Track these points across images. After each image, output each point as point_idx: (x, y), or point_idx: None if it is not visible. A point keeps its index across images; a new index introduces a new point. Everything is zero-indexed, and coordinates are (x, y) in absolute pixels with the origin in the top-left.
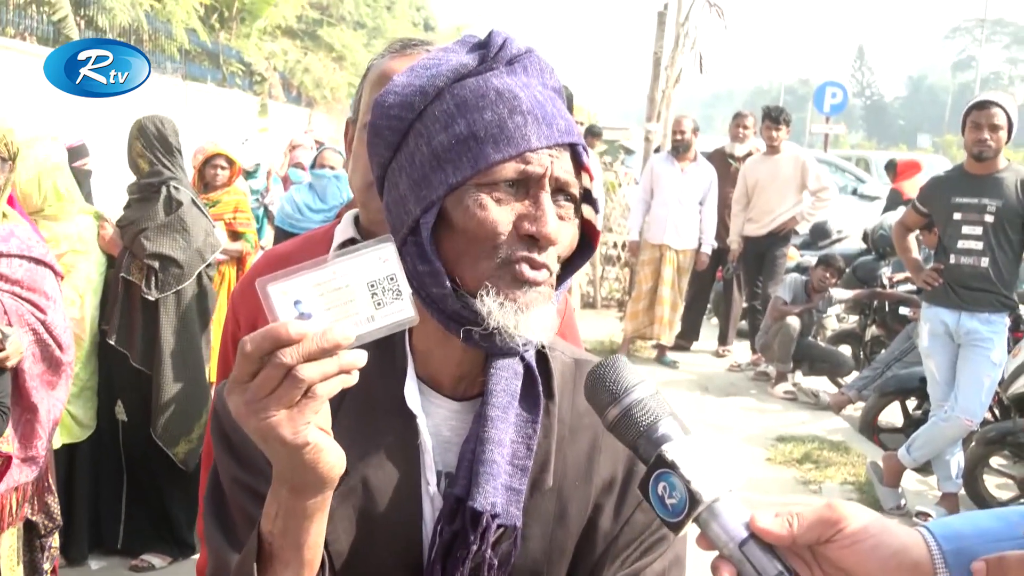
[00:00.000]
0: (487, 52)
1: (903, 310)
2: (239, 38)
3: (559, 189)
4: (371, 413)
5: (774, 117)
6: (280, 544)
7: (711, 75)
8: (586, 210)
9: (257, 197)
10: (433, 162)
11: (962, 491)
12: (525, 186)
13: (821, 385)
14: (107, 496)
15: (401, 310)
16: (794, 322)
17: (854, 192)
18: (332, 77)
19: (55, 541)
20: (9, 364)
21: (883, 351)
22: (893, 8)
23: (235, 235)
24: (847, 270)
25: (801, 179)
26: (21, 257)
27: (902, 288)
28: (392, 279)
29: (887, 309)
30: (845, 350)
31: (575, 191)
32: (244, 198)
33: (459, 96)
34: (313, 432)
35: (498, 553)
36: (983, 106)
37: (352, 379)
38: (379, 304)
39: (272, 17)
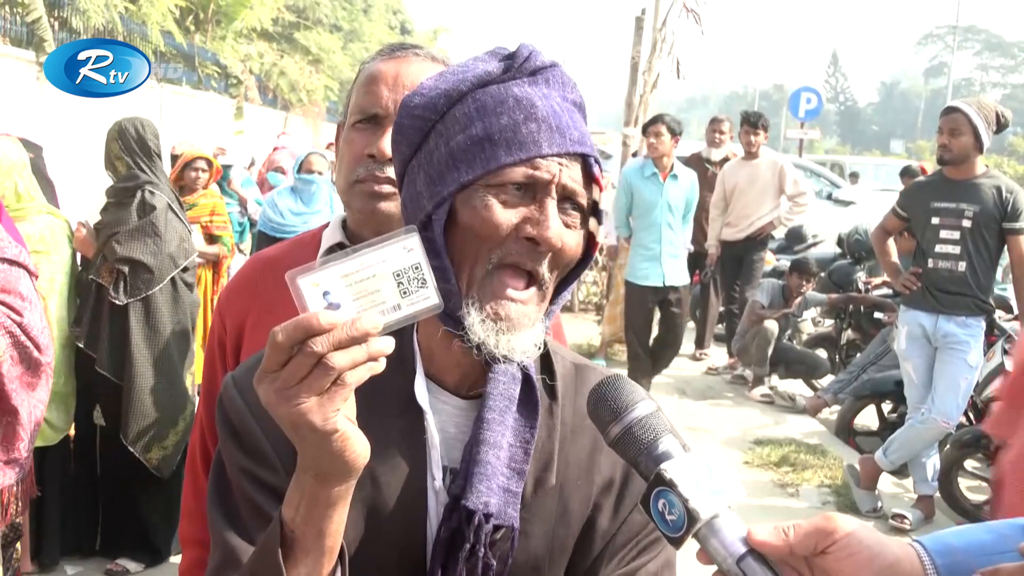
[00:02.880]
0: (513, 62)
1: (878, 314)
2: (215, 40)
3: (567, 197)
4: (380, 407)
5: (753, 122)
6: (302, 531)
7: (687, 80)
8: (591, 223)
9: (237, 203)
10: (449, 160)
11: (937, 494)
12: (532, 191)
13: (797, 388)
14: (84, 499)
15: (427, 298)
16: (771, 326)
17: (829, 197)
18: (308, 80)
19: (17, 550)
20: None
21: (859, 355)
22: (866, 15)
23: (211, 238)
24: (823, 274)
25: (779, 184)
26: None
27: (877, 292)
28: (417, 268)
29: (862, 313)
30: (821, 353)
31: (583, 201)
32: (221, 201)
33: (480, 101)
34: (342, 420)
35: (496, 553)
36: (946, 112)
37: (380, 366)
38: (405, 293)
39: (248, 19)
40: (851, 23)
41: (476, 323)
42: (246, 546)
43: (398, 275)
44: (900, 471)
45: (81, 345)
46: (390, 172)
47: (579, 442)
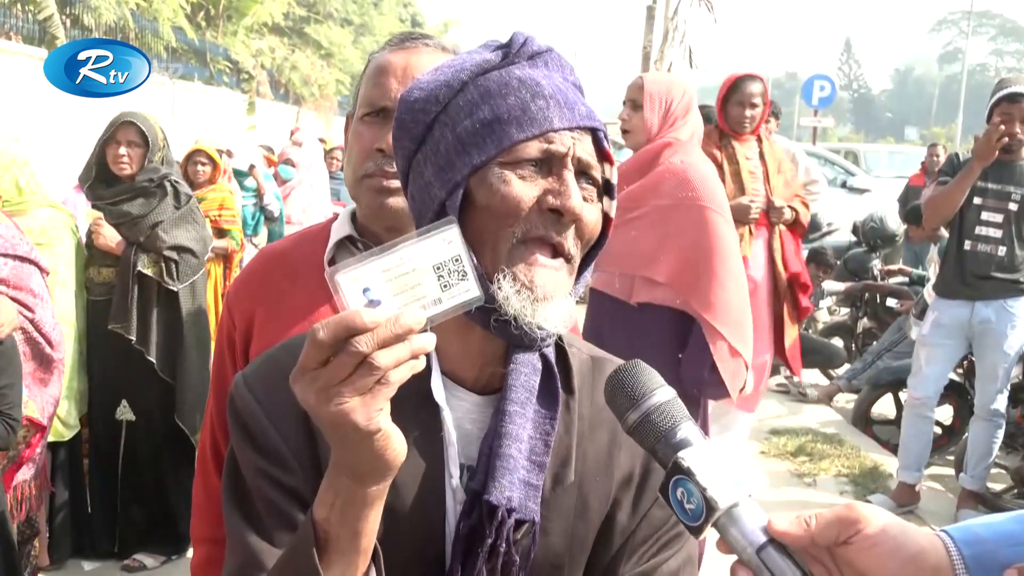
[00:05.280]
0: (510, 49)
1: (893, 302)
2: (226, 36)
3: (581, 172)
4: (396, 406)
5: None
6: (337, 532)
7: (700, 69)
8: (604, 202)
9: (253, 197)
10: (458, 146)
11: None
12: (548, 165)
13: (813, 378)
14: (101, 499)
15: (467, 290)
16: None
17: (843, 185)
18: (320, 74)
19: (35, 547)
20: (2, 334)
21: (874, 343)
22: (879, 1)
23: (220, 232)
24: (838, 263)
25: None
26: (5, 256)
27: (893, 280)
28: (457, 260)
29: (878, 301)
30: (837, 342)
31: (597, 175)
32: (230, 196)
33: (483, 87)
34: (385, 419)
35: (518, 549)
36: (1015, 99)
37: (421, 364)
38: (445, 286)
39: (259, 14)
40: (864, 9)
41: (511, 294)
42: (268, 548)
43: (438, 268)
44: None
45: (132, 338)
46: None
47: (597, 437)
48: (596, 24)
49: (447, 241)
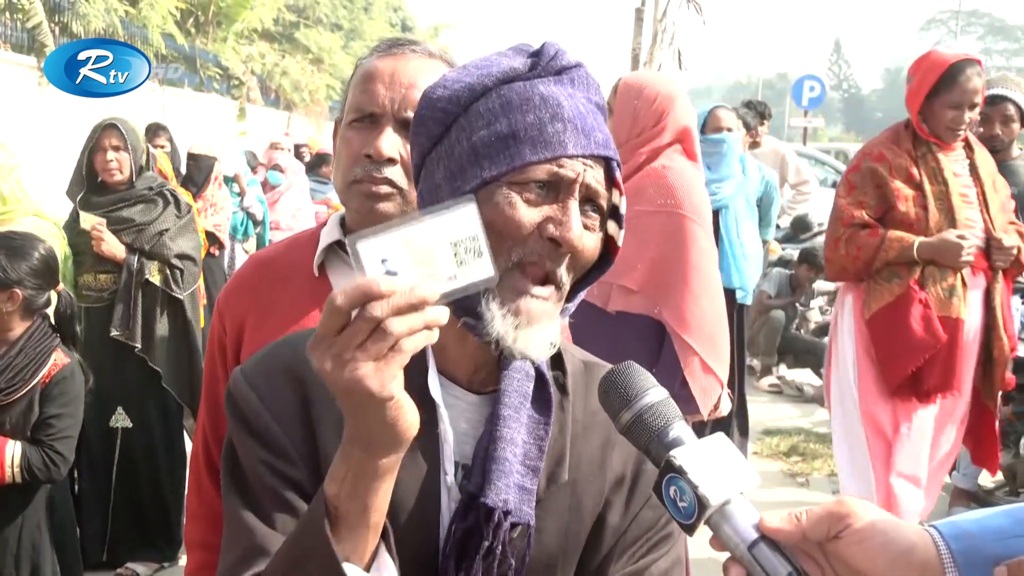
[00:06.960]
0: (538, 60)
1: None
2: (216, 42)
3: (588, 199)
4: None
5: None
6: (347, 507)
7: (689, 71)
8: (610, 226)
9: (236, 203)
10: (471, 155)
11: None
12: (555, 190)
13: (805, 378)
14: (93, 508)
15: (482, 269)
16: (779, 315)
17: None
18: (310, 80)
19: None
20: None
21: None
22: (868, 1)
23: None
24: None
25: (781, 173)
26: None
27: None
28: (474, 239)
29: None
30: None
31: (603, 203)
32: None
33: (505, 97)
34: (398, 387)
35: (513, 551)
36: (993, 101)
37: (434, 336)
38: (461, 263)
39: (249, 20)
40: (853, 9)
41: (496, 317)
42: (271, 532)
43: (455, 244)
44: None
45: (137, 345)
46: (388, 172)
47: (591, 438)
48: (586, 27)
49: (466, 218)
